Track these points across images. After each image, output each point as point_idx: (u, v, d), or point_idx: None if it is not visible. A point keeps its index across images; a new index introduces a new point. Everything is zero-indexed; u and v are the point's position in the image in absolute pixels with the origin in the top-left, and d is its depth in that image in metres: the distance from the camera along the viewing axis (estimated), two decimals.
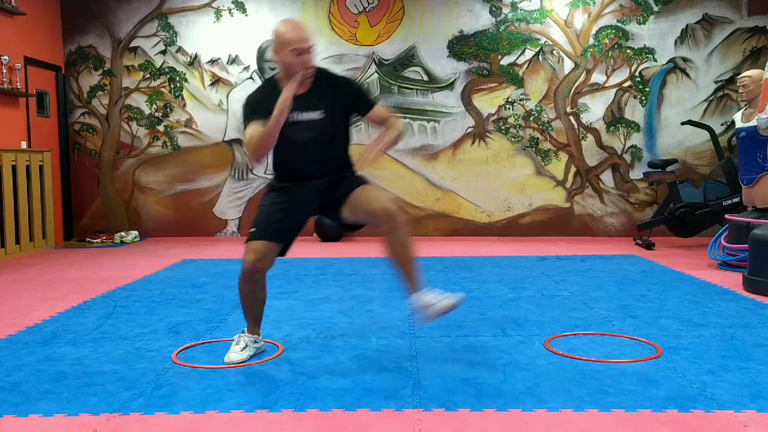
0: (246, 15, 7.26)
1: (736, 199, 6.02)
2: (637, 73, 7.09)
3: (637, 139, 7.16)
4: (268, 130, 2.65)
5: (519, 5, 7.12)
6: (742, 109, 5.31)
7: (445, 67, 7.19)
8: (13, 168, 6.11)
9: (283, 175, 2.90)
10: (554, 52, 7.13)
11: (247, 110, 2.80)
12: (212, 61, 7.31)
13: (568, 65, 7.14)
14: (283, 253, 2.89)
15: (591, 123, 7.17)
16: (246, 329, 2.95)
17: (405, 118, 7.24)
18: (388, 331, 3.32)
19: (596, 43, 7.09)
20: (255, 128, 2.70)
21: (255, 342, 2.94)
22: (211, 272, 5.08)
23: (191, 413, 2.27)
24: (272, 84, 2.82)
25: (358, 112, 2.88)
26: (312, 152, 2.82)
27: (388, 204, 2.75)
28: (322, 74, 2.83)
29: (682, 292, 4.21)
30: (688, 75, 7.06)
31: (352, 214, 2.82)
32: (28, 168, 6.35)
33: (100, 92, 7.37)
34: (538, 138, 7.22)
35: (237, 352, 2.87)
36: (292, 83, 2.66)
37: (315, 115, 2.77)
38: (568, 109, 7.18)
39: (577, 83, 7.14)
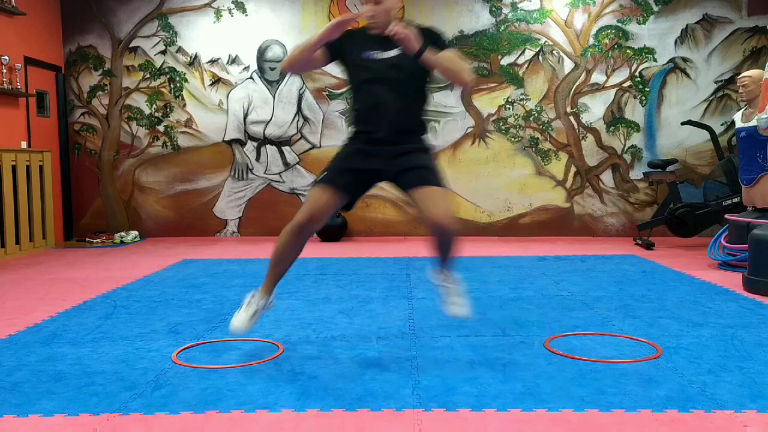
0: (246, 15, 7.26)
1: (736, 199, 6.03)
2: (637, 73, 7.09)
3: (637, 139, 7.16)
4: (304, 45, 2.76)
5: (519, 5, 7.12)
6: (742, 109, 5.31)
7: None
8: (13, 168, 6.11)
9: (357, 124, 2.82)
10: (554, 52, 7.13)
11: None
12: (212, 61, 7.31)
13: (568, 65, 7.14)
14: (348, 208, 2.83)
15: (591, 123, 7.16)
16: (261, 288, 2.86)
17: None
18: (388, 331, 3.32)
19: (596, 43, 7.09)
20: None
21: (264, 300, 2.84)
22: (211, 272, 5.08)
23: (191, 413, 2.27)
24: None
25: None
26: (386, 100, 2.74)
27: (444, 217, 2.66)
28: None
29: (682, 292, 4.21)
30: (688, 75, 7.06)
31: (413, 202, 2.75)
32: (28, 168, 6.34)
33: (100, 92, 7.37)
34: (538, 138, 7.22)
35: (242, 314, 2.82)
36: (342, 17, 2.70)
37: (392, 52, 2.72)
38: (568, 109, 7.17)
39: (577, 83, 7.14)
